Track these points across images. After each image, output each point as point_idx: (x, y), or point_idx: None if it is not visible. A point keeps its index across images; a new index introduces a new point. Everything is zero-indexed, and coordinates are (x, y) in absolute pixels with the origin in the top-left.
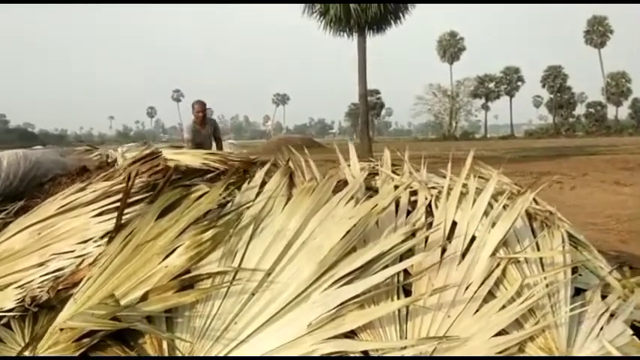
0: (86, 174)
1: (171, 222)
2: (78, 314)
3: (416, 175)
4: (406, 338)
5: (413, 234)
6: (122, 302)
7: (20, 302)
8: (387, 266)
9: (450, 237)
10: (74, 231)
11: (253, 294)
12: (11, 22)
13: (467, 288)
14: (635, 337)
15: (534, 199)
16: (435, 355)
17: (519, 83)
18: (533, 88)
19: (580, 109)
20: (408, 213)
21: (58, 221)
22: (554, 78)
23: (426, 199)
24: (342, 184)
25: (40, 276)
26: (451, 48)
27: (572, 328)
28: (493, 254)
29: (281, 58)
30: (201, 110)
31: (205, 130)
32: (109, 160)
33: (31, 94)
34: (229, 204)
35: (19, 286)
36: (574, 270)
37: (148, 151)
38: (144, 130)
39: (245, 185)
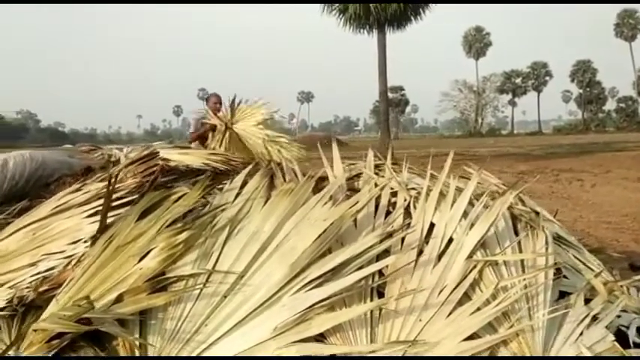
0: (90, 174)
1: (150, 224)
2: (50, 316)
3: (394, 175)
4: (375, 342)
5: (391, 236)
6: (99, 303)
7: (9, 302)
8: (360, 268)
9: (427, 239)
10: (67, 231)
11: (225, 296)
12: (45, 23)
13: (441, 291)
14: (616, 343)
15: (521, 199)
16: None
17: (547, 78)
18: (562, 83)
19: (611, 105)
20: (388, 215)
21: (51, 222)
22: (584, 72)
23: (405, 200)
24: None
25: (31, 276)
26: (477, 43)
27: (550, 332)
28: (470, 256)
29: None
30: (218, 102)
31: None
32: (113, 160)
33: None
34: (208, 206)
35: (10, 286)
36: (558, 272)
37: (145, 152)
38: (171, 128)
39: (226, 187)
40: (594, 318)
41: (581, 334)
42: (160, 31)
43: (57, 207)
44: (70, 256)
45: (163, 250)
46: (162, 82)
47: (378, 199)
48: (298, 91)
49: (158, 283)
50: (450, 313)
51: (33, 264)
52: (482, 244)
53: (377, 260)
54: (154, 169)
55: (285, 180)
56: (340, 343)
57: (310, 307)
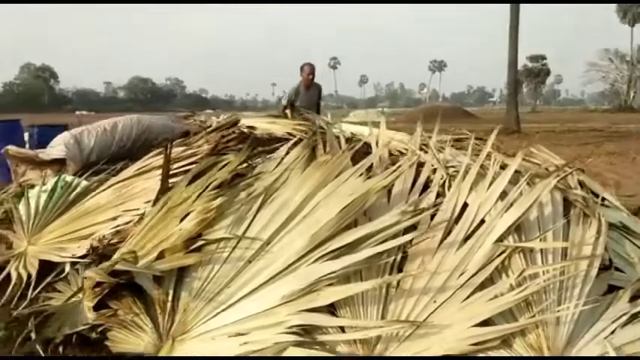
0: (186, 138)
1: (195, 188)
2: (99, 266)
3: (435, 153)
4: (385, 319)
5: (420, 213)
6: (145, 258)
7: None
8: (382, 243)
9: (458, 219)
10: (145, 191)
11: (250, 261)
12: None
13: (461, 274)
14: None
15: (581, 183)
16: (409, 338)
17: None
18: None
19: None
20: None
21: (134, 182)
22: None
23: (442, 178)
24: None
25: (110, 229)
26: (634, 8)
27: (580, 327)
28: (499, 241)
29: (440, 21)
30: (311, 72)
31: (309, 93)
32: (206, 127)
33: (205, 64)
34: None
35: (92, 238)
36: (609, 265)
37: (227, 120)
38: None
39: (271, 156)
40: (635, 316)
41: (613, 332)
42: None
43: (140, 168)
44: (143, 213)
45: (200, 214)
46: (295, 50)
47: (417, 176)
48: (430, 59)
49: (193, 243)
50: (468, 298)
51: (114, 218)
52: (517, 229)
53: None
54: (230, 137)
55: (324, 151)
56: (349, 316)
57: (320, 278)
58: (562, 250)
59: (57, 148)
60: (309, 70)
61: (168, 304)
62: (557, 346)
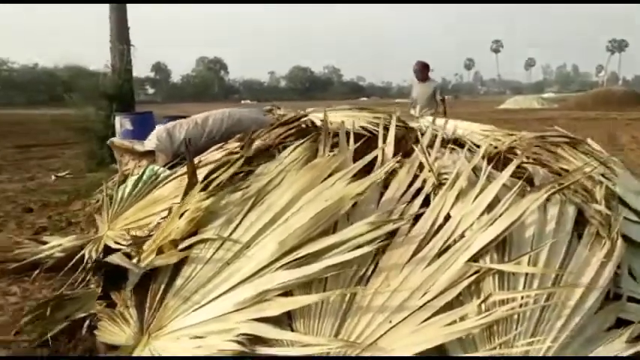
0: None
1: (200, 187)
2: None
3: (427, 159)
4: (339, 335)
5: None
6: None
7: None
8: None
9: (438, 231)
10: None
11: (228, 263)
12: None
13: (425, 294)
14: None
15: (607, 198)
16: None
17: None
18: None
19: None
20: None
21: None
22: None
23: (433, 185)
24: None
25: (157, 221)
26: None
27: None
28: (476, 259)
29: None
30: (416, 69)
31: (424, 87)
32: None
33: (361, 51)
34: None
35: (139, 227)
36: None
37: (290, 115)
38: (461, 82)
39: (279, 156)
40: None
41: None
42: None
43: (200, 161)
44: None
45: (191, 213)
46: (455, 35)
47: (412, 182)
48: (608, 38)
49: (182, 242)
50: (427, 320)
51: (167, 209)
52: (500, 247)
53: (378, 251)
54: (289, 132)
55: (324, 153)
56: (302, 329)
57: (276, 287)
58: (557, 275)
59: (152, 140)
60: (414, 66)
61: (156, 300)
62: None
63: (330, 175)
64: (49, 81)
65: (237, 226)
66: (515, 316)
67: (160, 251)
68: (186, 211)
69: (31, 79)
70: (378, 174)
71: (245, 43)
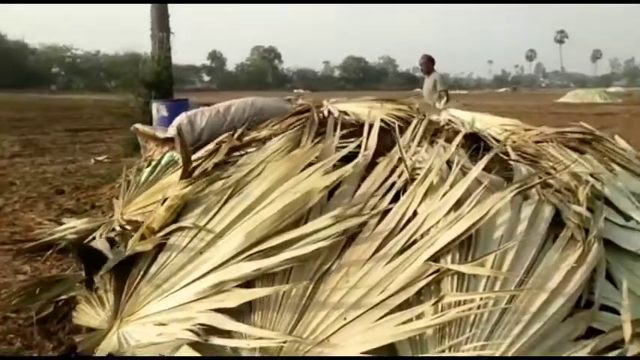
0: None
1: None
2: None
3: (403, 154)
4: (295, 329)
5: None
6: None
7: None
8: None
9: (404, 228)
10: None
11: (201, 252)
12: None
13: (382, 292)
14: None
15: (591, 198)
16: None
17: None
18: None
19: None
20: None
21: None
22: None
23: (405, 180)
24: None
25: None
26: None
27: None
28: (433, 259)
29: None
30: (421, 62)
31: (428, 80)
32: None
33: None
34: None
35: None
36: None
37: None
38: (522, 74)
39: (266, 146)
40: None
41: None
42: None
43: (209, 148)
44: None
45: (171, 201)
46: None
47: (388, 177)
48: None
49: (161, 230)
50: (381, 318)
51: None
52: (464, 246)
53: (344, 245)
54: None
55: (306, 143)
56: (259, 321)
57: (235, 278)
58: (522, 279)
59: (173, 127)
60: (419, 60)
61: (133, 286)
62: None
63: (310, 166)
64: (109, 68)
65: (214, 215)
66: (471, 318)
67: (142, 238)
68: (167, 199)
69: (92, 66)
70: (347, 168)
71: (301, 33)
